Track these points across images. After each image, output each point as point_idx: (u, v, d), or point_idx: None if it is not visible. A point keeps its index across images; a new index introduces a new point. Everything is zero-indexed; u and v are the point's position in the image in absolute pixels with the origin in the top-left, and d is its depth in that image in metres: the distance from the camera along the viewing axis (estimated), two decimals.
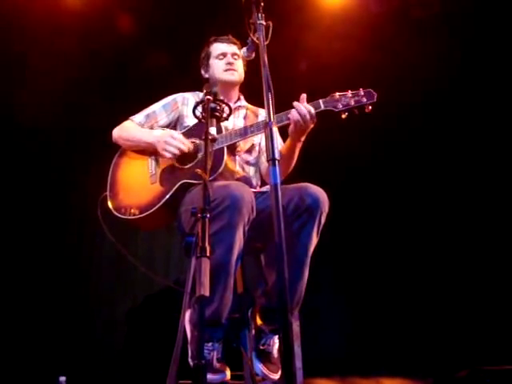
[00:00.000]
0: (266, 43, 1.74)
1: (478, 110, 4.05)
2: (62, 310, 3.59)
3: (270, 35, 1.78)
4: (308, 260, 2.10)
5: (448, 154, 4.11)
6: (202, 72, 2.61)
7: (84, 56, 3.89)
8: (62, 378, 2.49)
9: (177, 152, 2.25)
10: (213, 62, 2.53)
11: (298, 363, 2.25)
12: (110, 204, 2.31)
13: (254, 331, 2.18)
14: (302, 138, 2.26)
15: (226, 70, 2.49)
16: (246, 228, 1.96)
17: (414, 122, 4.08)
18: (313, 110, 2.16)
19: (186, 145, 2.26)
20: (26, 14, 3.73)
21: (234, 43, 2.54)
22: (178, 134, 2.31)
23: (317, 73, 4.05)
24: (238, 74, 2.52)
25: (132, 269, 3.72)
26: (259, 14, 1.79)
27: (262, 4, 1.79)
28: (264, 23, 1.77)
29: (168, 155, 2.26)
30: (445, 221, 4.01)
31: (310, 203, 2.05)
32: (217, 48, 2.54)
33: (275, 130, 1.57)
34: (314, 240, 2.10)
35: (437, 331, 3.72)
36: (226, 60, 2.49)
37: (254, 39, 1.81)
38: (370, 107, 2.19)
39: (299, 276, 2.08)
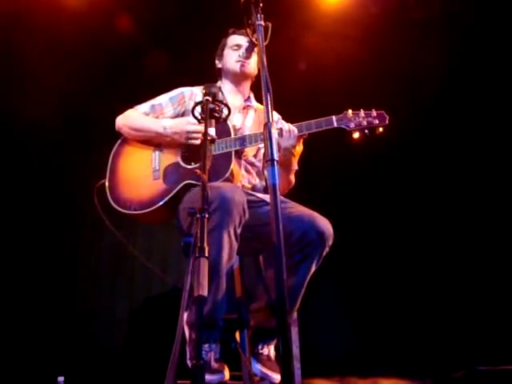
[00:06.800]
0: (264, 44, 1.73)
1: (477, 111, 4.05)
2: (61, 311, 3.59)
3: (269, 36, 1.77)
4: (303, 290, 2.10)
5: (448, 155, 4.10)
6: (216, 62, 2.61)
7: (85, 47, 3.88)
8: (61, 379, 2.48)
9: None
10: (227, 52, 2.54)
11: (297, 364, 2.26)
12: (109, 195, 2.28)
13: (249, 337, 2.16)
14: (293, 150, 2.23)
15: (238, 61, 2.48)
16: (238, 230, 1.94)
17: (413, 123, 4.07)
18: (296, 132, 2.16)
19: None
20: (26, 12, 3.72)
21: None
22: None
23: (316, 73, 4.06)
24: (250, 66, 2.51)
25: (131, 268, 3.72)
26: (258, 15, 1.78)
27: (261, 5, 1.79)
28: (263, 24, 1.76)
29: (197, 142, 2.21)
30: (439, 221, 4.01)
31: (315, 238, 2.05)
32: (233, 39, 2.54)
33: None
34: (312, 271, 2.11)
35: (434, 332, 3.72)
36: (239, 51, 2.49)
37: (253, 40, 1.81)
38: (381, 129, 2.15)
39: (292, 305, 2.07)
